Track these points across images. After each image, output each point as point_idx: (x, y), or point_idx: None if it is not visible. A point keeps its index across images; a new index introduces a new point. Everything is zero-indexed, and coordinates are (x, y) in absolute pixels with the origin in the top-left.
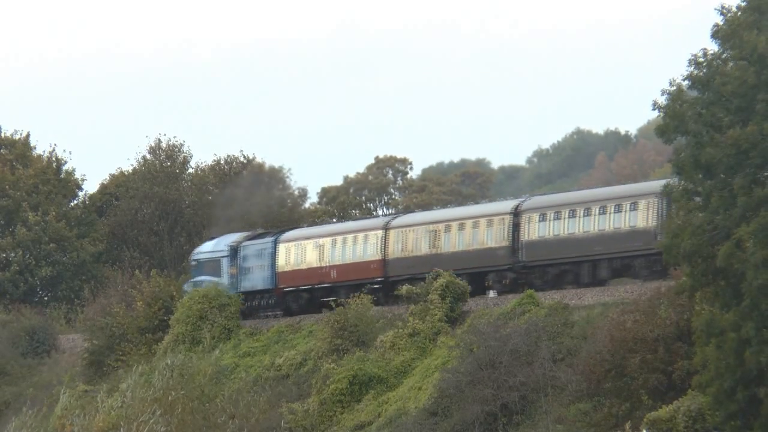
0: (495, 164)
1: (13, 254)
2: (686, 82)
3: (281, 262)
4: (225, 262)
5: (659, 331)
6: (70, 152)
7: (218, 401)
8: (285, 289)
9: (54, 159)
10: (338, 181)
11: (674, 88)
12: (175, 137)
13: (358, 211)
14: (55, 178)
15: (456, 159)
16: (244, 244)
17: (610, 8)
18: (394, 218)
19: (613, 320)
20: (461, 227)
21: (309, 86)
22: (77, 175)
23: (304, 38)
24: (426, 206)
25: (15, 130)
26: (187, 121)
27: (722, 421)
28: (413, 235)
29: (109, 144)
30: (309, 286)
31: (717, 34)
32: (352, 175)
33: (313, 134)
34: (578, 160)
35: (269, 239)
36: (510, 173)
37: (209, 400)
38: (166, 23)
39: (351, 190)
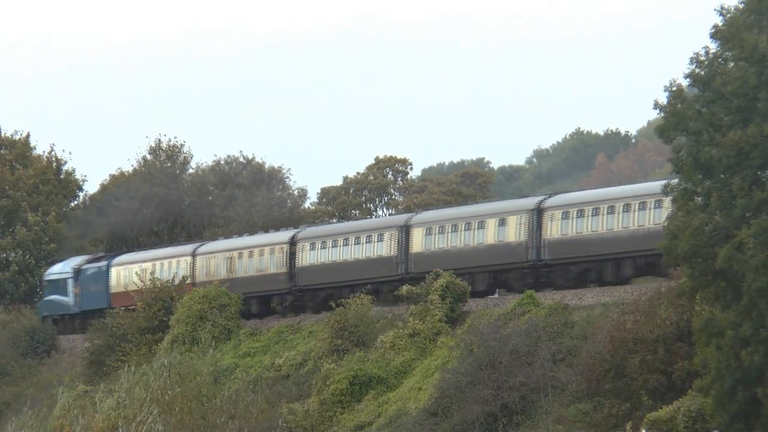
0: (495, 164)
1: (13, 254)
2: (687, 80)
3: (113, 283)
4: (70, 283)
5: (659, 331)
6: (69, 152)
7: (218, 401)
8: (117, 310)
9: (54, 159)
10: (338, 182)
11: (675, 87)
12: (175, 137)
13: (357, 212)
14: (55, 179)
15: (456, 159)
16: (84, 266)
17: (610, 8)
18: (200, 245)
19: (613, 321)
20: (251, 254)
21: (309, 87)
22: (77, 176)
23: (304, 39)
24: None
25: (15, 130)
26: (187, 121)
27: (724, 423)
28: (215, 261)
29: (109, 144)
30: (135, 308)
31: (716, 34)
32: (351, 175)
33: (312, 134)
34: (578, 160)
35: (104, 262)
36: (510, 173)
37: (208, 400)
38: (166, 23)
39: (351, 191)
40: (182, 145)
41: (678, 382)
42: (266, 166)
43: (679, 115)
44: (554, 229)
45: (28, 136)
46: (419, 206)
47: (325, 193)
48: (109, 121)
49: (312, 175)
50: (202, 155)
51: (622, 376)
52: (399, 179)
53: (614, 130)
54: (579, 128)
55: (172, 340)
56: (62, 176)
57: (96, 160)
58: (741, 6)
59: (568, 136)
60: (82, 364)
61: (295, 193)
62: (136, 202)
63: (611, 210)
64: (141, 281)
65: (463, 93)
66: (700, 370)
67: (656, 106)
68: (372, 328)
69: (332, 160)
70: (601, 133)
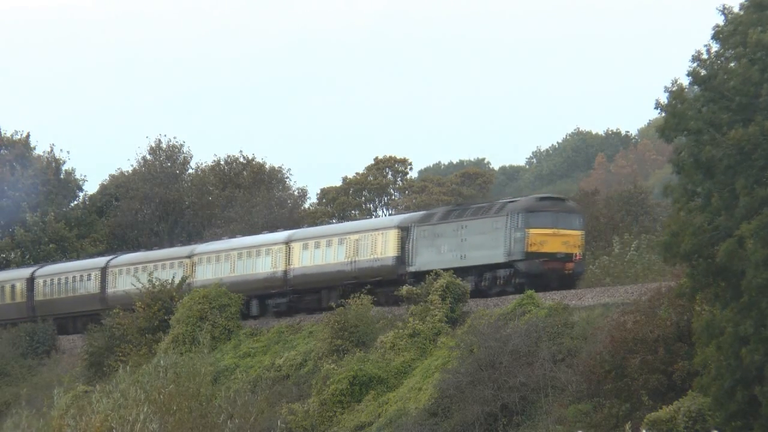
0: (495, 164)
1: (12, 255)
2: (688, 78)
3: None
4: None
5: (659, 331)
6: (68, 152)
7: (217, 401)
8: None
9: (53, 159)
10: (338, 182)
11: (676, 87)
12: (175, 138)
13: (357, 212)
14: (54, 179)
15: (455, 159)
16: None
17: (610, 8)
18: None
19: (613, 321)
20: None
21: (308, 87)
22: (77, 176)
23: (303, 40)
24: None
25: (15, 130)
26: (187, 121)
27: (723, 422)
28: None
29: (109, 144)
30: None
31: (719, 34)
32: (351, 175)
33: (312, 135)
34: (578, 160)
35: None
36: (510, 174)
37: (207, 400)
38: (166, 23)
39: (350, 191)
40: (182, 145)
41: (678, 382)
42: (266, 166)
43: (679, 115)
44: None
45: (28, 136)
46: (419, 207)
47: (324, 193)
48: (109, 121)
49: (312, 175)
50: (202, 155)
51: (622, 377)
52: (399, 179)
53: (614, 130)
54: (579, 128)
55: (172, 340)
56: (62, 176)
57: (96, 160)
58: (745, 3)
59: (568, 137)
60: (81, 365)
61: (295, 193)
62: (136, 202)
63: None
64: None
65: (463, 93)
66: (700, 370)
67: (657, 105)
68: (372, 328)
69: (332, 161)
70: (602, 133)
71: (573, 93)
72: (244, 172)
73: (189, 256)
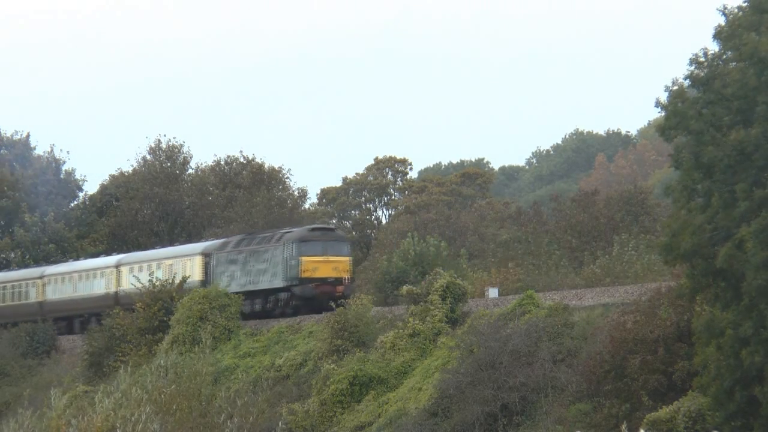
0: (495, 164)
1: (12, 255)
2: (687, 81)
3: None
4: None
5: (659, 331)
6: (68, 152)
7: (217, 401)
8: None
9: (53, 159)
10: (338, 182)
11: (676, 86)
12: (175, 138)
13: (357, 212)
14: (54, 179)
15: (455, 160)
16: None
17: (610, 8)
18: None
19: (613, 321)
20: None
21: (308, 87)
22: (78, 176)
23: (303, 41)
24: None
25: (15, 130)
26: (187, 121)
27: (722, 422)
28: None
29: (109, 144)
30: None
31: (719, 34)
32: (351, 175)
33: (312, 135)
34: (578, 161)
35: None
36: (510, 174)
37: (207, 400)
38: (166, 24)
39: (350, 191)
40: (182, 145)
41: (678, 382)
42: (266, 166)
43: (680, 114)
44: None
45: (28, 136)
46: (419, 207)
47: (324, 193)
48: (109, 121)
49: (312, 175)
50: (202, 155)
51: (622, 377)
52: (399, 179)
53: (614, 130)
54: (578, 129)
55: (172, 340)
56: (62, 176)
57: (96, 160)
58: (744, 5)
59: (567, 137)
60: (81, 365)
61: (295, 193)
62: (136, 202)
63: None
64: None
65: (463, 93)
66: (700, 370)
67: (658, 104)
68: (372, 328)
69: (332, 161)
70: (602, 133)
71: (573, 93)
72: (244, 172)
73: (40, 277)
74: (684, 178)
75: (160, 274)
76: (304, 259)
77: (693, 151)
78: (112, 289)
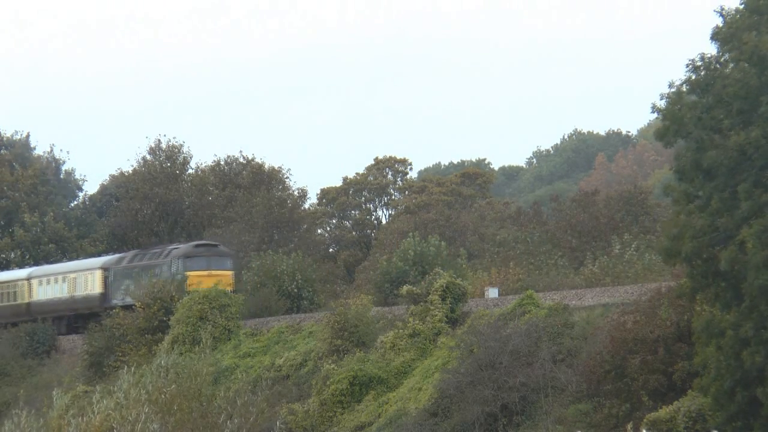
0: (495, 164)
1: (12, 255)
2: (685, 86)
3: None
4: None
5: (660, 331)
6: (68, 152)
7: (217, 401)
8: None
9: (53, 159)
10: (338, 182)
11: (673, 90)
12: (175, 138)
13: (357, 212)
14: (54, 179)
15: (456, 160)
16: None
17: (610, 9)
18: None
19: (613, 321)
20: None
21: (308, 87)
22: (78, 176)
23: (303, 41)
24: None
25: (15, 130)
26: (187, 121)
27: (723, 422)
28: None
29: (109, 144)
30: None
31: (717, 35)
32: (351, 175)
33: (312, 135)
34: (578, 161)
35: None
36: (510, 174)
37: (207, 400)
38: (166, 24)
39: (350, 191)
40: (182, 145)
41: (678, 382)
42: (266, 166)
43: (678, 120)
44: None
45: (27, 136)
46: (419, 207)
47: (324, 193)
48: (109, 121)
49: (312, 175)
50: (202, 155)
51: (622, 377)
52: (399, 179)
53: (614, 130)
54: (578, 129)
55: (172, 340)
56: (62, 176)
57: (96, 160)
58: (741, 6)
59: (567, 137)
60: (81, 365)
61: (295, 193)
62: (136, 202)
63: None
64: None
65: (463, 93)
66: (700, 370)
67: (654, 109)
68: (372, 328)
69: (332, 161)
70: (602, 134)
71: (573, 93)
72: (244, 172)
73: None
74: (684, 184)
75: (65, 287)
76: (190, 273)
77: (693, 157)
78: (24, 300)
